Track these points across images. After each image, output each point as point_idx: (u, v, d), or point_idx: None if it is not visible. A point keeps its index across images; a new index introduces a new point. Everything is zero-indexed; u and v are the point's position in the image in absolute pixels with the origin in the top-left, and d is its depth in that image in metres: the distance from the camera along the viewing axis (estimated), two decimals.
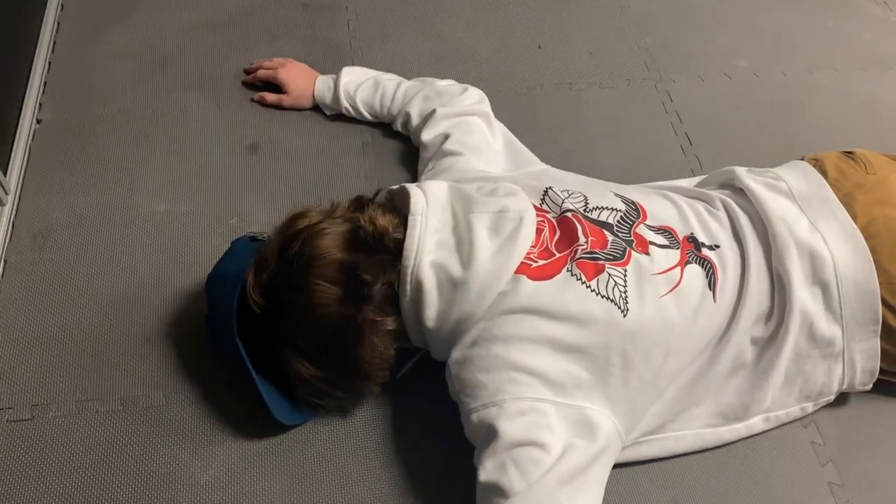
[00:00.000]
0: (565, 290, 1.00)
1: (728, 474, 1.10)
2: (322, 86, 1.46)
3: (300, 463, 1.08)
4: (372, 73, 1.47)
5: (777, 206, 1.11)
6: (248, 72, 1.54)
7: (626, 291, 1.02)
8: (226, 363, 1.12)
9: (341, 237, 1.02)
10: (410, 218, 1.03)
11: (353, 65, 1.50)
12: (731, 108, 1.56)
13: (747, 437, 1.12)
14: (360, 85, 1.44)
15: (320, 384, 1.06)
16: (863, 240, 1.07)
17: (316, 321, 1.01)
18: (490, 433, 0.96)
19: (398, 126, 1.43)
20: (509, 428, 0.95)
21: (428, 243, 1.02)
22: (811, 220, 1.10)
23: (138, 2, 1.67)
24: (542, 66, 1.61)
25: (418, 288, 1.01)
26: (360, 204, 1.08)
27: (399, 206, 1.09)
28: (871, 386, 1.13)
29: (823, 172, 1.16)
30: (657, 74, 1.61)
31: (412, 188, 1.08)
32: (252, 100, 1.50)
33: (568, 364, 0.99)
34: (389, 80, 1.44)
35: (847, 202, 1.11)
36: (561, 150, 1.44)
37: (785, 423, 1.13)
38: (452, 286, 1.00)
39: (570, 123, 1.52)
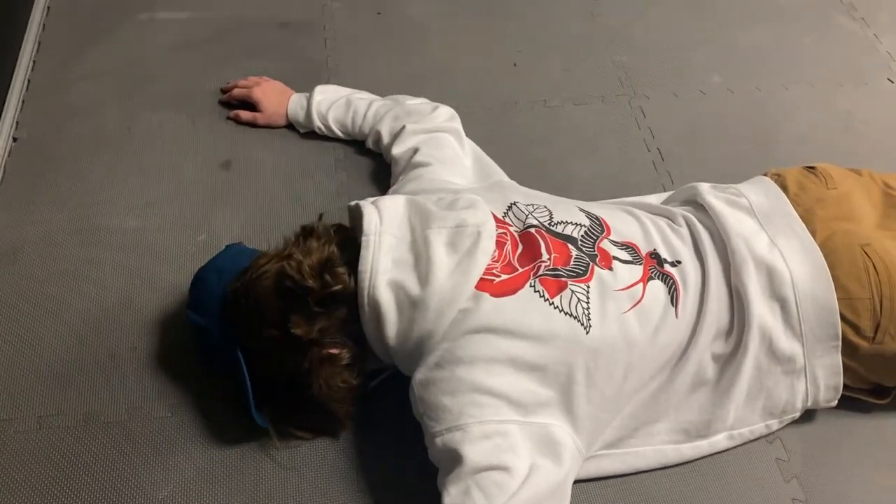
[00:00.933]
0: (528, 307, 1.00)
1: (691, 490, 1.09)
2: (295, 104, 1.47)
3: (257, 481, 1.07)
4: (345, 91, 1.48)
5: (736, 222, 1.11)
6: (223, 91, 1.56)
7: (588, 308, 1.02)
8: (204, 355, 1.14)
9: (272, 285, 1.01)
10: (363, 238, 1.03)
11: (330, 82, 1.51)
12: (705, 123, 1.57)
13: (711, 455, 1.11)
14: (332, 104, 1.45)
15: (288, 426, 1.08)
16: (821, 255, 1.07)
17: (269, 365, 1.03)
18: (454, 458, 0.96)
19: (370, 144, 1.44)
20: (473, 453, 0.95)
21: (383, 262, 1.01)
22: (770, 235, 1.10)
23: (119, 22, 1.69)
24: (517, 84, 1.63)
25: (375, 308, 1.00)
26: (304, 234, 1.06)
27: (354, 226, 1.09)
28: (836, 402, 1.12)
29: (784, 188, 1.16)
30: (631, 91, 1.62)
31: (366, 206, 1.07)
32: (227, 118, 1.52)
33: (531, 383, 0.99)
34: (361, 100, 1.45)
35: (807, 217, 1.12)
36: (534, 166, 1.45)
37: (750, 441, 1.13)
38: (411, 305, 1.00)
39: (543, 140, 1.53)
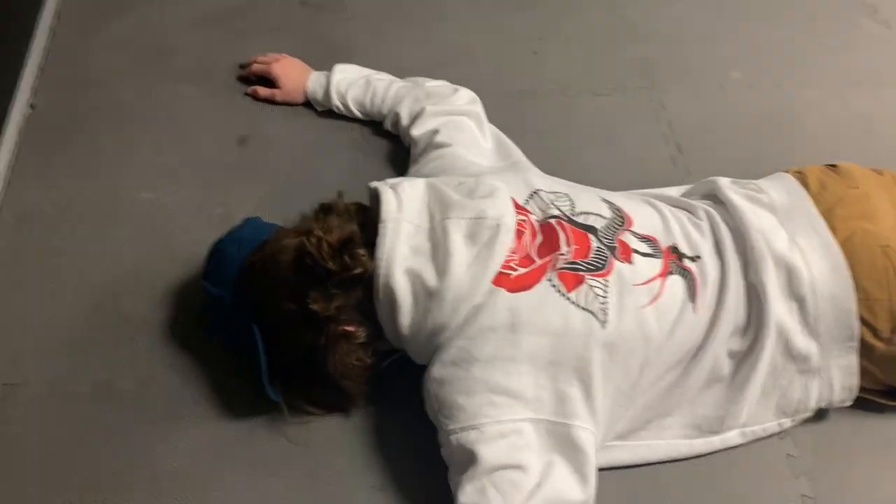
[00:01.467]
0: (545, 302, 1.00)
1: (700, 482, 1.09)
2: (314, 82, 1.46)
3: (267, 454, 1.08)
4: (365, 71, 1.47)
5: (756, 219, 1.10)
6: (243, 66, 1.55)
7: (605, 303, 1.01)
8: (217, 326, 1.13)
9: (292, 260, 1.00)
10: (381, 226, 1.01)
11: (349, 63, 1.51)
12: (724, 119, 1.56)
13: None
14: (351, 83, 1.44)
15: (300, 401, 1.08)
16: (841, 255, 1.07)
17: (285, 339, 1.03)
18: (470, 457, 0.96)
19: (388, 125, 1.43)
20: (489, 452, 0.95)
21: (400, 251, 1.00)
22: (790, 233, 1.10)
23: None
24: (536, 72, 1.62)
25: (391, 296, 1.00)
26: (324, 211, 1.05)
27: (372, 209, 1.08)
28: (850, 403, 1.12)
29: (805, 185, 1.15)
30: (651, 83, 1.61)
31: (385, 191, 1.06)
32: (245, 93, 1.51)
33: (547, 379, 0.98)
34: (380, 80, 1.44)
35: (828, 216, 1.11)
36: (552, 156, 1.43)
37: (762, 438, 1.12)
38: (428, 296, 0.99)
39: (562, 129, 1.52)
